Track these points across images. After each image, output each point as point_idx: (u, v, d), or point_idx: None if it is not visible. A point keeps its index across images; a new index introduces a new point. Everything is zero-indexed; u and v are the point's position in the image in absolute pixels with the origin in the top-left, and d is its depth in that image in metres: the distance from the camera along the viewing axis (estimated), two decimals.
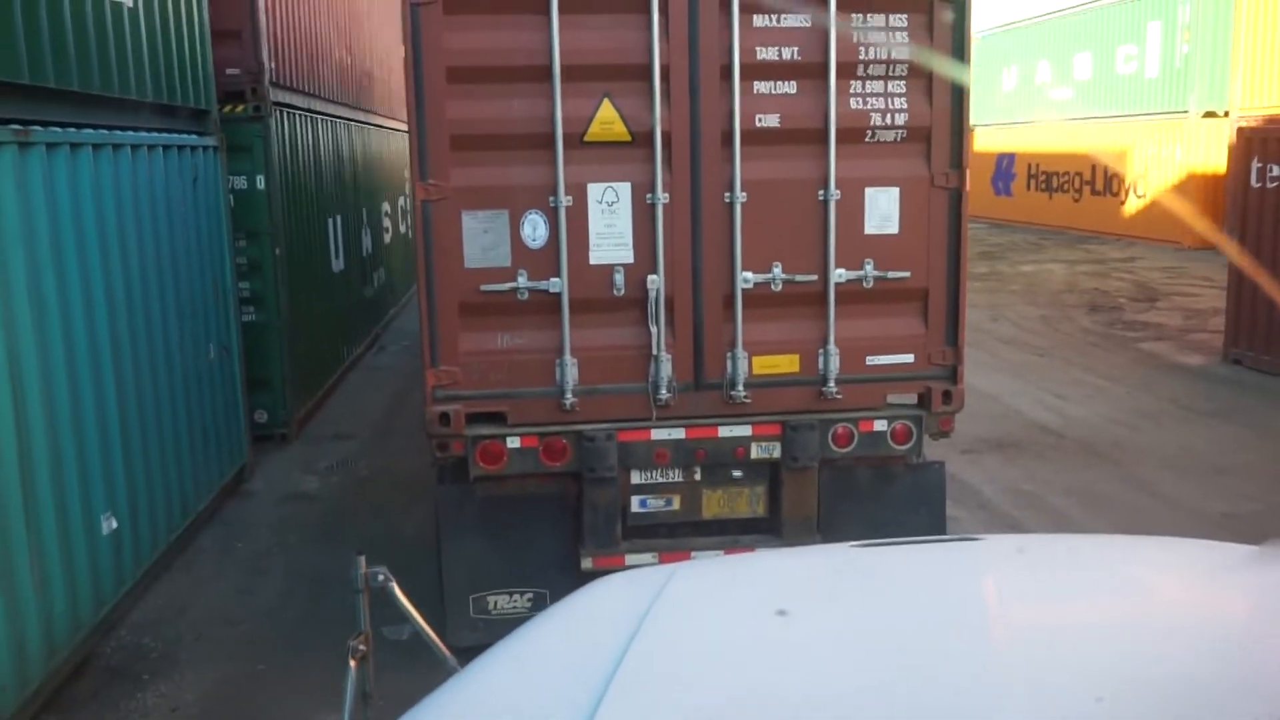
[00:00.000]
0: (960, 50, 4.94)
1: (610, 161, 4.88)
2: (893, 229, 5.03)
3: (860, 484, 5.33)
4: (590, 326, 4.95)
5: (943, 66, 4.92)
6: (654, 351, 4.97)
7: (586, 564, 5.01)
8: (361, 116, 13.93)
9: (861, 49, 4.88)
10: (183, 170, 7.13)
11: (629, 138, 4.86)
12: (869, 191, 5.01)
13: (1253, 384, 11.11)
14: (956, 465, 7.45)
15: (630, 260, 4.92)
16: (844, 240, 4.99)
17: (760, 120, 4.90)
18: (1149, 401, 10.49)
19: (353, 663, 2.55)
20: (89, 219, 5.59)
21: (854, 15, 4.84)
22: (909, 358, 5.16)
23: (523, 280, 4.86)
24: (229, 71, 8.59)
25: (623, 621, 1.63)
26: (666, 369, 4.98)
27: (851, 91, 4.93)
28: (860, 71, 4.91)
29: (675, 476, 5.14)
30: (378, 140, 15.14)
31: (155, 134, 6.69)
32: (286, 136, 9.74)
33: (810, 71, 4.89)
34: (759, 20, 4.83)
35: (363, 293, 13.34)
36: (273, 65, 9.24)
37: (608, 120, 4.84)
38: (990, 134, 30.00)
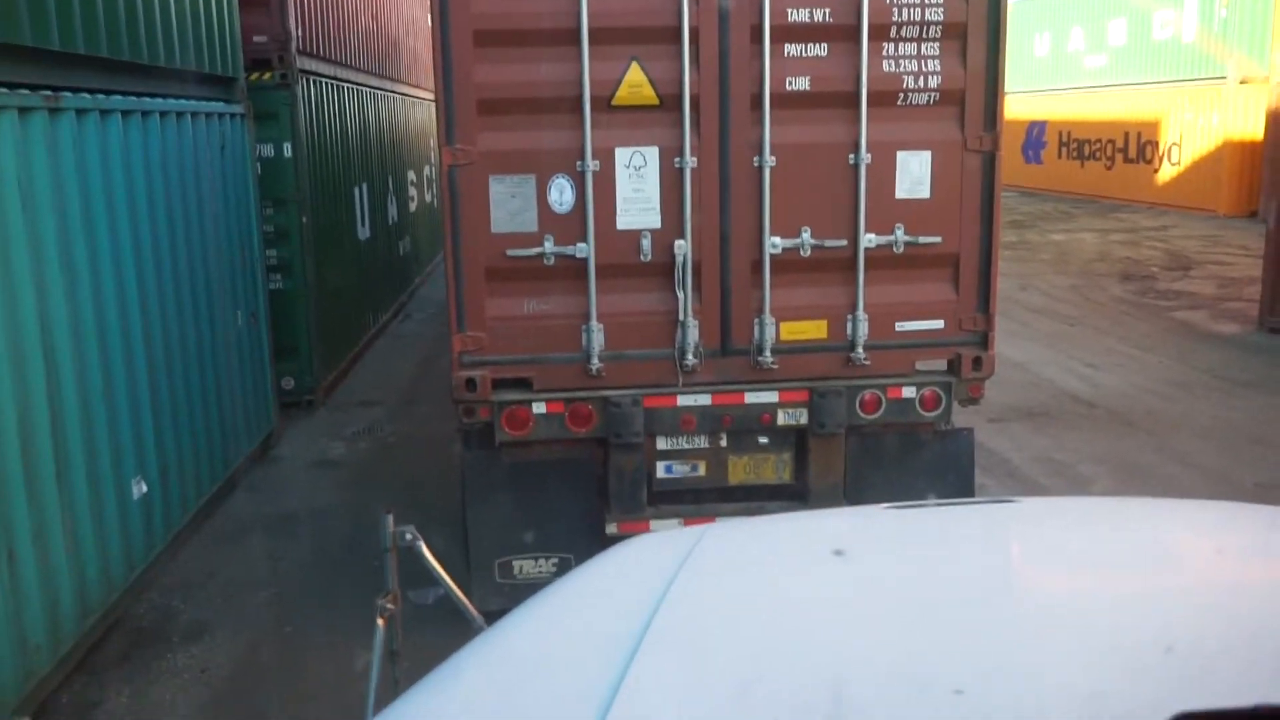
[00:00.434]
0: (995, 11, 4.84)
1: (638, 125, 4.83)
2: (924, 193, 4.96)
3: (888, 451, 5.29)
4: (617, 292, 4.93)
5: (978, 27, 4.82)
6: (680, 317, 4.93)
7: (611, 529, 5.01)
8: (388, 85, 13.90)
9: (894, 10, 4.79)
10: (210, 138, 7.14)
11: (657, 101, 4.81)
12: (900, 155, 4.93)
13: None
14: (985, 433, 7.39)
15: (657, 225, 4.88)
16: (874, 205, 4.92)
17: (790, 83, 4.83)
18: (1182, 371, 10.35)
19: (381, 621, 2.56)
20: (119, 186, 5.61)
21: None
22: (939, 324, 5.10)
23: (549, 245, 4.83)
24: (256, 39, 8.59)
25: (652, 581, 1.61)
26: (693, 335, 4.95)
27: (884, 54, 4.85)
28: (893, 33, 4.83)
29: (701, 442, 5.13)
30: (404, 109, 15.11)
31: (183, 101, 6.69)
32: (313, 104, 9.73)
33: (842, 34, 4.80)
34: None
35: (389, 261, 13.36)
36: (299, 33, 9.22)
37: (636, 83, 4.79)
38: (1021, 101, 29.56)
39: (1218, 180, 22.58)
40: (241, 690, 5.01)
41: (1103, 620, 1.42)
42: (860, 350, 5.02)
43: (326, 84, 10.30)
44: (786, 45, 4.81)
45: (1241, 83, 22.43)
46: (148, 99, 6.11)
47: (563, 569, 4.99)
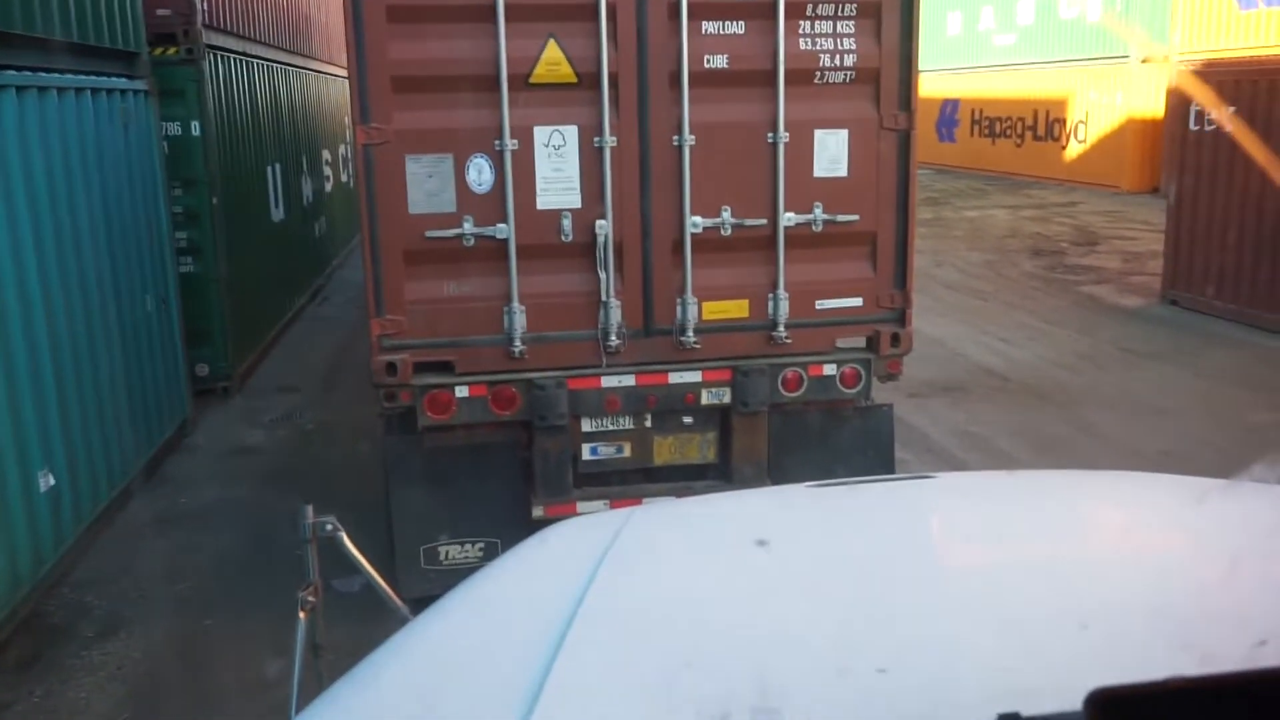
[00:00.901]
0: None
1: (557, 104, 4.78)
2: (842, 172, 5.01)
3: (810, 428, 5.35)
4: (538, 273, 4.89)
5: (892, 6, 4.87)
6: (603, 298, 4.92)
7: (538, 512, 4.99)
8: (300, 61, 13.56)
9: None
10: (112, 115, 6.88)
11: (575, 79, 4.76)
12: (818, 134, 4.97)
13: (1189, 324, 11.35)
14: (904, 409, 7.52)
15: (578, 205, 4.85)
16: (793, 184, 4.96)
17: (708, 61, 4.83)
18: (1090, 344, 10.68)
19: (302, 614, 2.51)
20: (14, 165, 5.39)
21: None
22: (858, 301, 5.17)
23: (468, 226, 4.77)
24: (159, 12, 8.28)
25: (580, 564, 1.61)
26: (616, 315, 4.94)
27: (800, 32, 4.87)
28: (809, 11, 4.85)
29: (626, 423, 5.13)
30: (318, 86, 14.77)
31: (82, 77, 6.43)
32: (222, 81, 9.44)
33: (759, 11, 4.82)
34: None
35: (305, 242, 13.08)
36: (205, 6, 8.92)
37: (554, 61, 4.74)
38: (935, 80, 29.99)
39: (1121, 157, 23.25)
40: (159, 687, 4.88)
41: (1019, 594, 1.46)
42: (781, 329, 5.07)
43: (236, 60, 10.00)
44: (704, 23, 4.80)
45: (1143, 62, 23.11)
46: (43, 74, 5.86)
47: (489, 554, 4.96)
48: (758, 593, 1.51)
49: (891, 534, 1.77)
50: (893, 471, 5.48)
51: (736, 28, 4.84)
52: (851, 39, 4.91)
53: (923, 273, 12.39)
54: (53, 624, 5.39)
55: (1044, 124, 26.65)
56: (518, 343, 4.88)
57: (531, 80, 4.73)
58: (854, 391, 5.20)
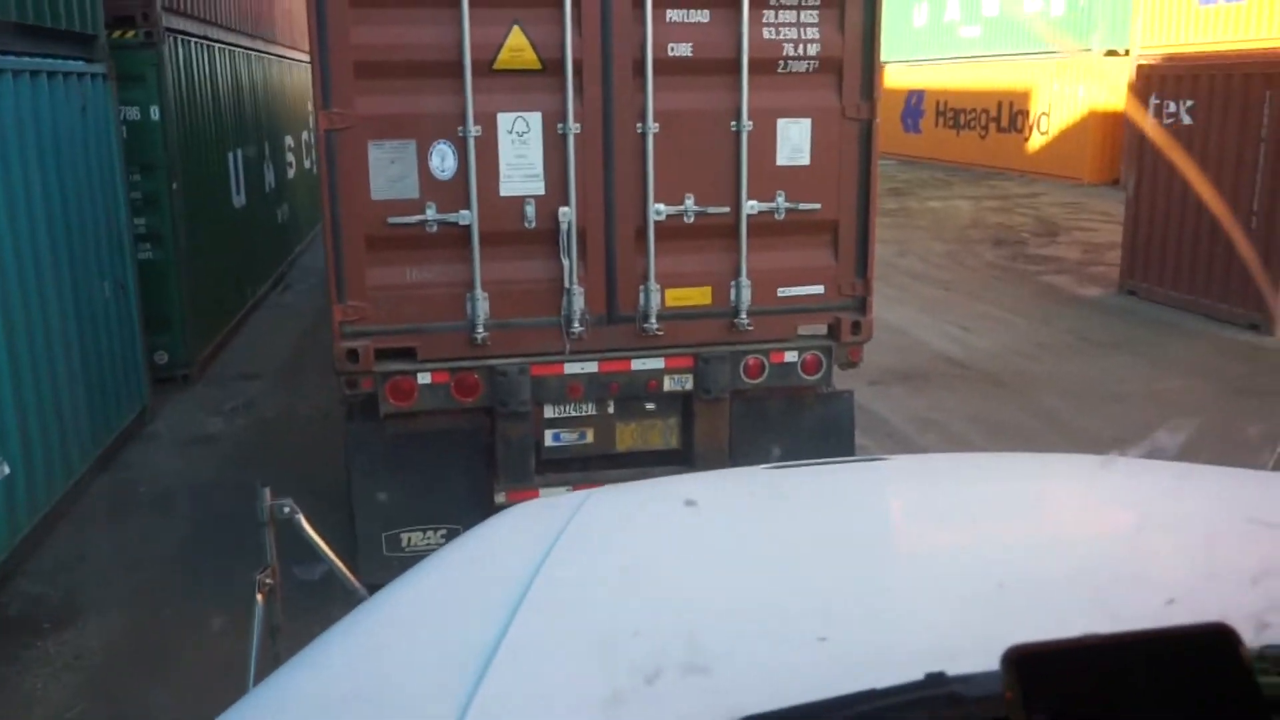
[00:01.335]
0: None
1: (520, 90, 4.78)
2: (804, 160, 5.05)
3: (771, 414, 5.40)
4: (501, 259, 4.89)
5: None
6: (566, 284, 4.93)
7: (500, 498, 5.00)
8: (262, 46, 13.40)
9: None
10: (70, 99, 6.78)
11: (539, 66, 4.76)
12: (781, 123, 5.00)
13: (1146, 314, 11.53)
14: (865, 396, 7.59)
15: (541, 192, 4.85)
16: (756, 172, 4.99)
17: (673, 49, 4.84)
18: (1049, 332, 10.82)
19: (260, 597, 2.51)
20: None
21: None
22: (819, 289, 5.21)
23: (431, 213, 4.76)
24: None
25: (535, 545, 1.63)
26: (579, 302, 4.95)
27: (764, 21, 4.89)
28: (773, 1, 4.87)
29: (589, 410, 5.15)
30: (279, 71, 14.60)
31: (38, 59, 6.33)
32: (181, 65, 9.31)
33: (723, 0, 4.83)
34: None
35: (266, 229, 12.95)
36: None
37: (518, 47, 4.73)
38: (901, 71, 30.22)
39: (1082, 149, 23.52)
40: (118, 676, 4.84)
41: (950, 566, 1.54)
42: (744, 316, 5.10)
43: (196, 44, 9.87)
44: (669, 11, 4.81)
45: (1106, 55, 23.37)
46: None
47: (451, 540, 4.96)
48: (706, 568, 1.55)
49: (838, 513, 1.83)
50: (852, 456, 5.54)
51: (701, 16, 4.86)
52: (815, 28, 4.94)
53: (886, 262, 12.51)
54: (7, 615, 5.33)
55: (1008, 116, 26.89)
56: (480, 329, 4.88)
57: (495, 66, 4.72)
58: (815, 378, 5.25)
